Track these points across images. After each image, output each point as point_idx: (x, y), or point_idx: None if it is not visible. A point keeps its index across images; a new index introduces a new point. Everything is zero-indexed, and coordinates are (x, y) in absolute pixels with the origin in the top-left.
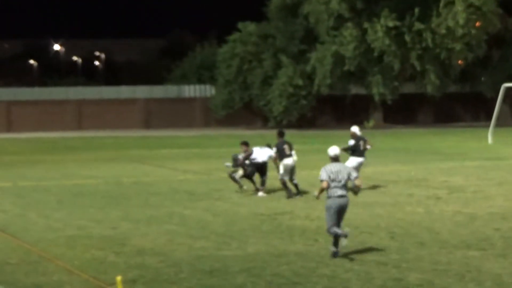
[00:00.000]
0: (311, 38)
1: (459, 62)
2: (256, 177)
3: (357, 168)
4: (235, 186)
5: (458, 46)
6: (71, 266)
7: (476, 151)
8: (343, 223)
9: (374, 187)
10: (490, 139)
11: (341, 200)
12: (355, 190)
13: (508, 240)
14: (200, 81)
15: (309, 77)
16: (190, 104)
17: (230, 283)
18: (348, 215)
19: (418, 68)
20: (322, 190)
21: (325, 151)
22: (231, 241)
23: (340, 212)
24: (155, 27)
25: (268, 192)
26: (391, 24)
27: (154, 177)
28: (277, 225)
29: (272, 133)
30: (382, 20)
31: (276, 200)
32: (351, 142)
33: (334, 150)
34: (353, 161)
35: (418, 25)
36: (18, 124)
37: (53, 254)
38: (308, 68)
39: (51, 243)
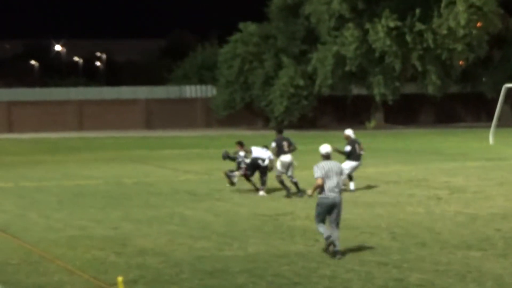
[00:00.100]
0: (312, 39)
1: (460, 62)
2: (256, 178)
3: (349, 170)
4: (235, 186)
5: (459, 47)
6: (72, 267)
7: (477, 152)
8: (340, 219)
9: (375, 187)
10: (491, 140)
11: (334, 198)
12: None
13: (509, 240)
14: (201, 81)
15: (310, 78)
16: (191, 104)
17: (231, 283)
18: (349, 216)
19: (419, 69)
20: (317, 187)
21: None
22: (232, 241)
23: (332, 209)
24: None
25: (269, 192)
26: (392, 24)
27: (155, 177)
28: (278, 226)
29: (274, 134)
30: (383, 21)
31: (277, 201)
32: (348, 148)
33: (325, 148)
34: (349, 164)
35: (419, 26)
36: (19, 124)
37: (54, 255)
38: (309, 68)
39: (52, 244)
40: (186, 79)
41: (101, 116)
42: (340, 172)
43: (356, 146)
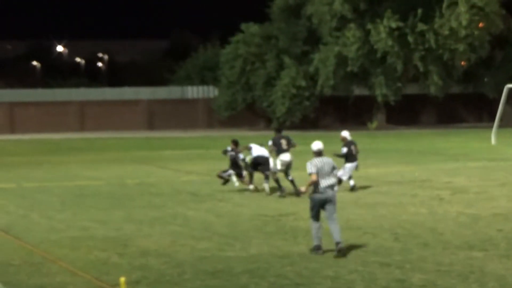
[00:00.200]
0: (314, 39)
1: (462, 63)
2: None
3: (349, 172)
4: (239, 187)
5: (461, 47)
6: (74, 267)
7: (479, 152)
8: (336, 214)
9: (377, 188)
10: (493, 140)
11: (326, 194)
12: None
13: None
14: (203, 82)
15: (312, 78)
16: (193, 105)
17: (233, 284)
18: (351, 216)
19: (421, 69)
20: (311, 184)
21: (328, 152)
22: (234, 242)
23: (324, 204)
24: (158, 28)
25: (271, 192)
26: (394, 25)
27: (157, 178)
28: (281, 226)
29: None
30: (385, 21)
31: (280, 201)
32: (344, 150)
33: (317, 145)
34: (347, 167)
35: (421, 26)
36: (21, 125)
37: (56, 255)
38: (311, 69)
39: (54, 244)
40: (188, 80)
41: (103, 117)
42: (333, 168)
43: (353, 147)
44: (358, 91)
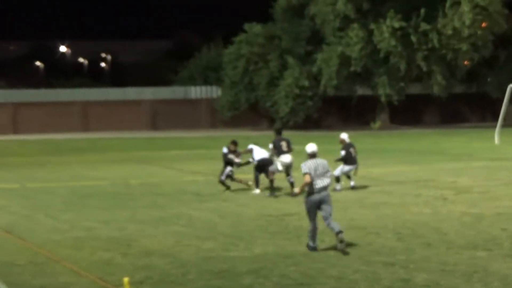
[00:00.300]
0: (317, 39)
1: (465, 62)
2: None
3: (348, 173)
4: (242, 186)
5: (464, 47)
6: (78, 268)
7: (483, 152)
8: (332, 214)
9: (381, 187)
10: (496, 140)
11: (321, 194)
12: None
13: None
14: (206, 82)
15: (315, 78)
16: (196, 105)
17: (238, 284)
18: (355, 216)
19: (424, 69)
20: (305, 185)
21: (331, 152)
22: (238, 242)
23: (320, 205)
24: (161, 28)
25: (278, 193)
26: (397, 25)
27: (160, 178)
28: (285, 226)
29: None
30: (388, 21)
31: (283, 201)
32: (342, 152)
33: (311, 147)
34: (345, 168)
35: (424, 26)
36: (24, 125)
37: (60, 256)
38: (314, 69)
39: (58, 245)
40: (191, 80)
41: (106, 117)
42: (326, 169)
43: (351, 150)
44: (361, 91)
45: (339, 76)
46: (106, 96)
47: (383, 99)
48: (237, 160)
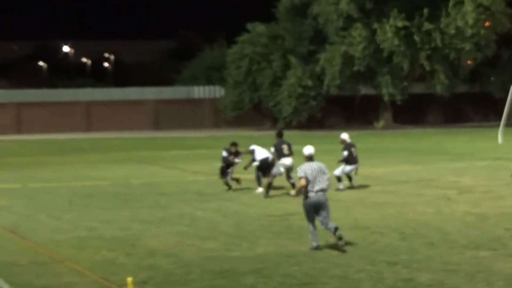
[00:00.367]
0: (320, 39)
1: (468, 62)
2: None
3: (350, 173)
4: (244, 186)
5: (467, 46)
6: (81, 268)
7: (486, 151)
8: (330, 215)
9: (384, 187)
10: (499, 139)
11: (318, 197)
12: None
13: None
14: (209, 82)
15: (318, 78)
16: (199, 105)
17: (240, 284)
18: (358, 216)
19: (427, 68)
20: (300, 188)
21: (334, 152)
22: (241, 242)
23: (318, 209)
24: (164, 28)
25: (279, 192)
26: (400, 24)
27: (163, 178)
28: (287, 226)
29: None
30: (391, 21)
31: (286, 201)
32: (345, 153)
33: (308, 149)
34: (349, 168)
35: (427, 25)
36: (27, 125)
37: (63, 256)
38: (317, 68)
39: (61, 245)
40: (194, 80)
41: (109, 117)
42: (323, 172)
43: (353, 150)
44: (365, 90)
45: (342, 75)
46: (109, 96)
47: (386, 98)
48: (237, 160)
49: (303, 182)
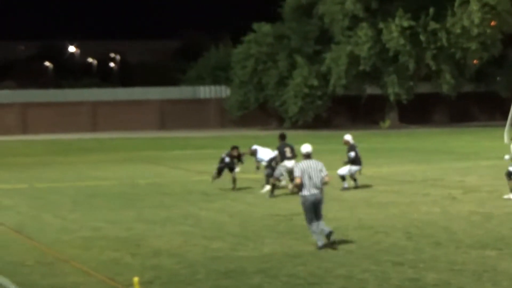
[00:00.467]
0: (326, 39)
1: (474, 61)
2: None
3: (354, 174)
4: (248, 185)
5: (473, 46)
6: (87, 268)
7: (492, 151)
8: (322, 216)
9: (389, 187)
10: (505, 139)
11: (315, 195)
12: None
13: None
14: (215, 82)
15: (324, 78)
16: (205, 105)
17: (246, 284)
18: (363, 216)
19: (433, 68)
20: (296, 186)
21: (340, 152)
22: (246, 241)
23: (316, 206)
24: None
25: (284, 193)
26: (406, 24)
27: (168, 178)
28: (293, 226)
29: (288, 134)
30: (397, 20)
31: (291, 201)
32: (352, 154)
33: (306, 148)
34: (353, 169)
35: (433, 25)
36: (33, 126)
37: (69, 256)
38: (323, 68)
39: (66, 245)
40: (199, 80)
41: (115, 117)
42: (320, 170)
43: (357, 150)
44: (370, 90)
45: (348, 75)
46: (114, 96)
47: (392, 98)
48: (237, 169)
49: (298, 181)
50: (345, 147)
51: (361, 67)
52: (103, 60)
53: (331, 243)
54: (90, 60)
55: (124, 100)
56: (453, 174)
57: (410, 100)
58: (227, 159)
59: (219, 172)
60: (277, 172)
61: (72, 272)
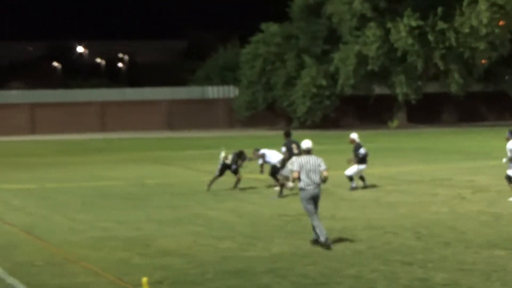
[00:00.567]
0: (334, 38)
1: (483, 61)
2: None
3: (361, 173)
4: (256, 185)
5: (481, 45)
6: (96, 268)
7: (500, 150)
8: (318, 210)
9: (398, 187)
10: None
11: (313, 190)
12: (323, 180)
13: None
14: (223, 82)
15: (333, 77)
16: (213, 105)
17: (256, 284)
18: (372, 215)
19: (442, 68)
20: (293, 180)
21: (348, 152)
22: (256, 241)
23: (314, 200)
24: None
25: (293, 193)
26: (414, 23)
27: (177, 178)
28: (302, 226)
29: (296, 134)
30: (405, 20)
31: (299, 202)
32: (363, 150)
33: (306, 143)
34: (362, 167)
35: (441, 25)
36: (42, 126)
37: (78, 256)
38: (331, 68)
39: (76, 245)
40: (208, 80)
41: (124, 117)
42: (319, 166)
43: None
44: (379, 90)
45: (356, 75)
46: (123, 96)
47: (400, 98)
48: (238, 176)
49: (295, 175)
50: (351, 147)
51: (369, 67)
52: (112, 60)
53: (326, 247)
54: (98, 60)
55: (132, 100)
56: (462, 174)
57: (418, 100)
58: (234, 166)
59: (221, 172)
60: (285, 170)
61: (82, 272)
